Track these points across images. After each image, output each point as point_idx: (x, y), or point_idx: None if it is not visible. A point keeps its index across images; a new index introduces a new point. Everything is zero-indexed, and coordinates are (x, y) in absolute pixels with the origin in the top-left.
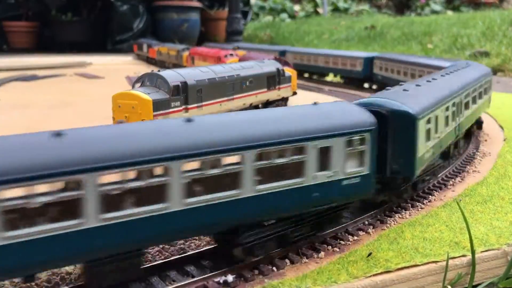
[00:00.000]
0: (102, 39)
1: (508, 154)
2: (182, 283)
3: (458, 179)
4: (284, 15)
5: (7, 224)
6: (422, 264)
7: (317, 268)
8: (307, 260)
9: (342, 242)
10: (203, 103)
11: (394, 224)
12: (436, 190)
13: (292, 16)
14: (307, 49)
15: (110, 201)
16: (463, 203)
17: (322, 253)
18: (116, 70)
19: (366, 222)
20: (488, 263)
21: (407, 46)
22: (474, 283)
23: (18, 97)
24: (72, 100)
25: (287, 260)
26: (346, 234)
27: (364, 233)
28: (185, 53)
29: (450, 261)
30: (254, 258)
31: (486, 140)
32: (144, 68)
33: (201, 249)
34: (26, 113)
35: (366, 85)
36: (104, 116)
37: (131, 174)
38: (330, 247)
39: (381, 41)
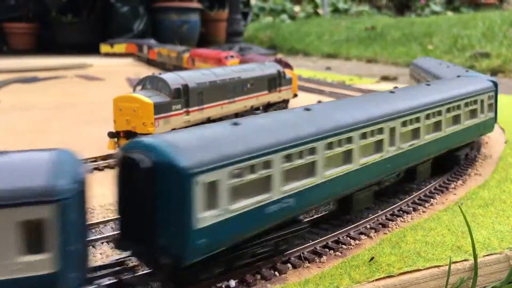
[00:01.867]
0: (103, 40)
1: (509, 157)
2: None
3: (460, 182)
4: (284, 16)
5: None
6: (424, 269)
7: (319, 272)
8: (309, 265)
9: (344, 246)
10: (204, 105)
11: (396, 228)
12: (437, 194)
13: (292, 17)
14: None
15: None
16: (464, 207)
17: (324, 258)
18: (116, 71)
19: (368, 226)
20: (490, 267)
21: (407, 47)
22: None
23: (19, 99)
24: (73, 102)
25: (289, 265)
26: (348, 238)
27: (366, 237)
28: (186, 55)
29: (453, 266)
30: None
31: (487, 142)
32: (144, 70)
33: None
34: (27, 115)
35: None
36: (104, 118)
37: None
38: (332, 251)
39: (381, 42)
